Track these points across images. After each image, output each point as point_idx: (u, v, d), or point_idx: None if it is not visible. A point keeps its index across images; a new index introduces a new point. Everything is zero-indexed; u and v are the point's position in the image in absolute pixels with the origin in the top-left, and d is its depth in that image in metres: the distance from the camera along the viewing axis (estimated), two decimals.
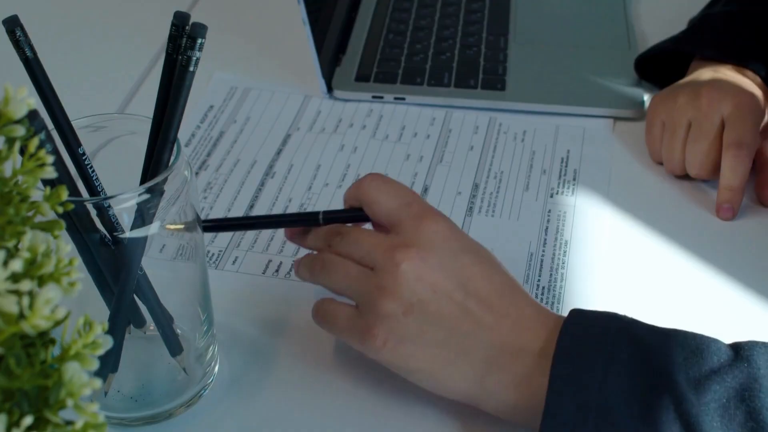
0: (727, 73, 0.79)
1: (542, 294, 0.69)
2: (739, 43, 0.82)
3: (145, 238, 0.54)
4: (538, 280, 0.70)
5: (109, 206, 0.52)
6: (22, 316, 0.36)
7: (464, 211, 0.77)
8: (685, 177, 0.78)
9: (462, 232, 0.59)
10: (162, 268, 0.58)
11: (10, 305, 0.35)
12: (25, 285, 0.35)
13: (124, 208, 0.52)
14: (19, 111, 0.38)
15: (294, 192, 0.79)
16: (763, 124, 0.77)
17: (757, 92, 0.78)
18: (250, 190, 0.79)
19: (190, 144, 0.84)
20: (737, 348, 0.53)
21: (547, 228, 0.75)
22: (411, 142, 0.84)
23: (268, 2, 1.05)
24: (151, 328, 0.60)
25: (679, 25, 0.91)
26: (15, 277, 0.36)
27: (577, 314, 0.56)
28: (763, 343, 0.53)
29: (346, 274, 0.59)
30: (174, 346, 0.59)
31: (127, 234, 0.53)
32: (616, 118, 0.86)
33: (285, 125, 0.87)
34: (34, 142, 0.39)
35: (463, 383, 0.56)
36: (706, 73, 0.80)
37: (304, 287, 0.66)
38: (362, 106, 0.88)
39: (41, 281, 0.38)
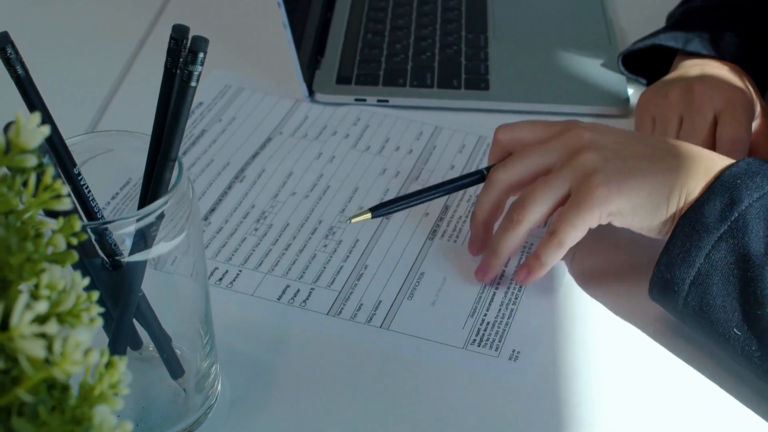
0: (715, 67, 0.79)
1: (484, 330, 0.65)
2: (723, 37, 0.82)
3: (145, 262, 0.52)
4: (485, 315, 0.66)
5: (108, 231, 0.50)
6: (47, 360, 0.34)
7: (426, 233, 0.73)
8: None
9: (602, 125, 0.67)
10: (162, 289, 0.56)
11: (37, 349, 0.33)
12: (52, 327, 0.33)
13: (124, 232, 0.50)
14: (33, 141, 0.36)
15: (258, 199, 0.77)
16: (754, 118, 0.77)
17: (747, 86, 0.77)
18: (215, 192, 0.77)
19: None
20: None
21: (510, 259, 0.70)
22: (391, 155, 0.81)
23: (240, 6, 1.02)
24: (150, 348, 0.58)
25: (656, 19, 0.90)
26: (39, 319, 0.34)
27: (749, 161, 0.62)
28: None
29: (547, 184, 0.64)
30: (175, 369, 0.58)
31: (127, 258, 0.51)
32: (602, 116, 0.86)
33: (268, 129, 0.85)
34: (49, 173, 0.37)
35: (668, 192, 0.62)
36: (694, 69, 0.80)
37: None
38: (350, 110, 0.86)
39: (60, 319, 0.36)
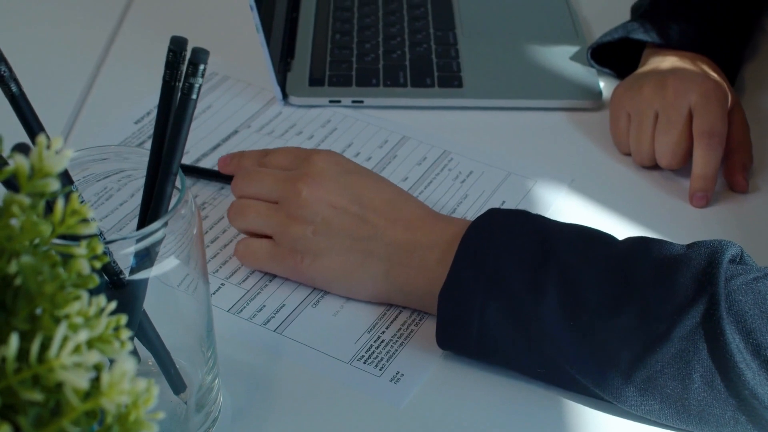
0: (687, 60, 0.80)
1: (377, 347, 0.64)
2: (693, 28, 0.83)
3: (147, 280, 0.51)
4: (383, 332, 0.65)
5: (109, 251, 0.49)
6: (88, 392, 0.33)
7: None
8: (653, 167, 0.79)
9: (347, 158, 0.69)
10: (164, 304, 0.55)
11: (80, 380, 0.32)
12: (92, 357, 0.33)
13: (126, 252, 0.49)
14: (58, 165, 0.35)
15: (203, 191, 0.77)
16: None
17: (720, 78, 0.79)
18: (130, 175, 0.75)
19: (141, 122, 0.83)
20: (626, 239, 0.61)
21: None
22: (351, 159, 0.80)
23: (208, 10, 1.01)
24: (149, 363, 0.57)
25: (619, 11, 0.91)
26: (77, 348, 0.33)
27: (490, 210, 0.63)
28: (643, 238, 0.60)
29: (257, 212, 0.67)
30: (178, 384, 0.57)
31: (129, 277, 0.50)
32: (576, 109, 0.86)
33: (237, 121, 0.84)
34: (76, 197, 0.36)
35: (373, 282, 0.65)
36: (666, 62, 0.80)
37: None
38: (323, 112, 0.86)
39: (89, 345, 0.36)
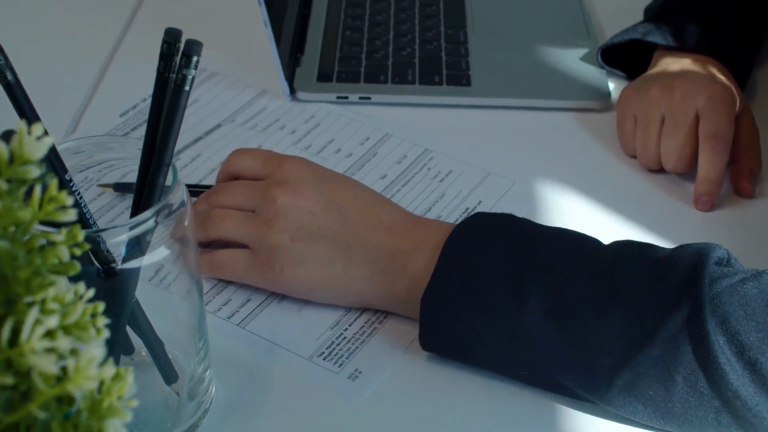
0: (696, 62, 0.80)
1: (338, 344, 0.64)
2: (704, 31, 0.82)
3: (139, 269, 0.52)
4: (346, 329, 0.65)
5: (101, 239, 0.49)
6: (59, 377, 0.33)
7: None
8: (659, 170, 0.78)
9: (321, 166, 0.67)
10: (156, 295, 0.55)
11: (50, 365, 0.32)
12: (64, 342, 0.33)
13: (118, 240, 0.50)
14: (38, 152, 0.35)
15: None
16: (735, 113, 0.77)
17: (728, 82, 0.78)
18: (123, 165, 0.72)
19: (126, 115, 0.84)
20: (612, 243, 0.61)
21: None
22: (329, 157, 0.80)
23: (218, 4, 1.01)
24: (142, 353, 0.57)
25: (633, 12, 0.90)
26: (48, 333, 0.33)
27: (476, 214, 0.63)
28: (629, 241, 0.60)
29: (234, 221, 0.66)
30: (170, 375, 0.57)
31: (121, 266, 0.51)
32: (584, 110, 0.86)
33: (222, 115, 0.85)
34: (54, 184, 0.36)
35: (355, 289, 0.64)
36: (675, 64, 0.80)
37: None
38: (308, 106, 0.86)
39: (66, 331, 0.36)
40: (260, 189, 0.65)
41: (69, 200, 0.36)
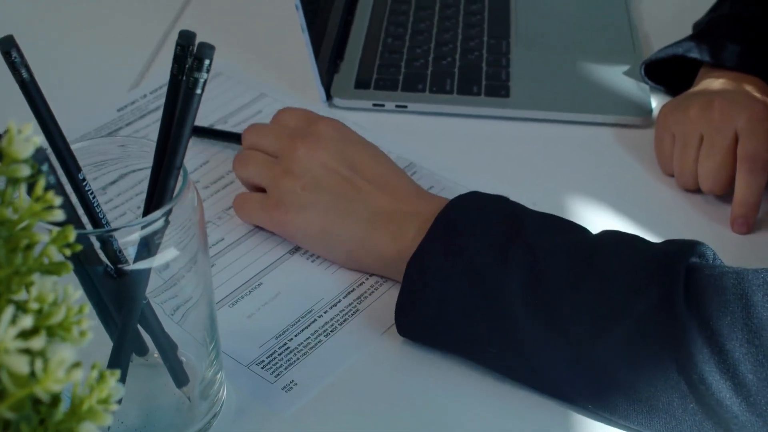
0: (739, 82, 0.77)
1: (280, 354, 0.63)
2: (749, 50, 0.80)
3: (149, 269, 0.52)
4: (291, 339, 0.64)
5: (113, 238, 0.50)
6: (33, 375, 0.33)
7: (288, 248, 0.71)
8: (696, 190, 0.76)
9: (352, 130, 0.71)
10: (167, 295, 0.55)
11: (21, 366, 0.32)
12: (37, 342, 0.33)
13: (129, 240, 0.50)
14: (25, 150, 0.36)
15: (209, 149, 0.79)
16: None
17: None
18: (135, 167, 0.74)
19: (123, 110, 0.84)
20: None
21: None
22: None
23: (260, 8, 1.02)
24: (156, 355, 0.57)
25: (682, 26, 0.88)
26: (24, 333, 0.33)
27: (472, 192, 0.65)
28: (617, 231, 0.62)
29: (257, 163, 0.71)
30: (180, 377, 0.57)
31: (132, 266, 0.51)
32: (624, 126, 0.84)
33: (218, 116, 0.85)
34: (41, 184, 0.36)
35: (348, 243, 0.66)
36: (716, 83, 0.78)
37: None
38: (359, 117, 0.85)
39: (50, 332, 0.36)
40: (287, 137, 0.70)
41: (57, 200, 0.36)
